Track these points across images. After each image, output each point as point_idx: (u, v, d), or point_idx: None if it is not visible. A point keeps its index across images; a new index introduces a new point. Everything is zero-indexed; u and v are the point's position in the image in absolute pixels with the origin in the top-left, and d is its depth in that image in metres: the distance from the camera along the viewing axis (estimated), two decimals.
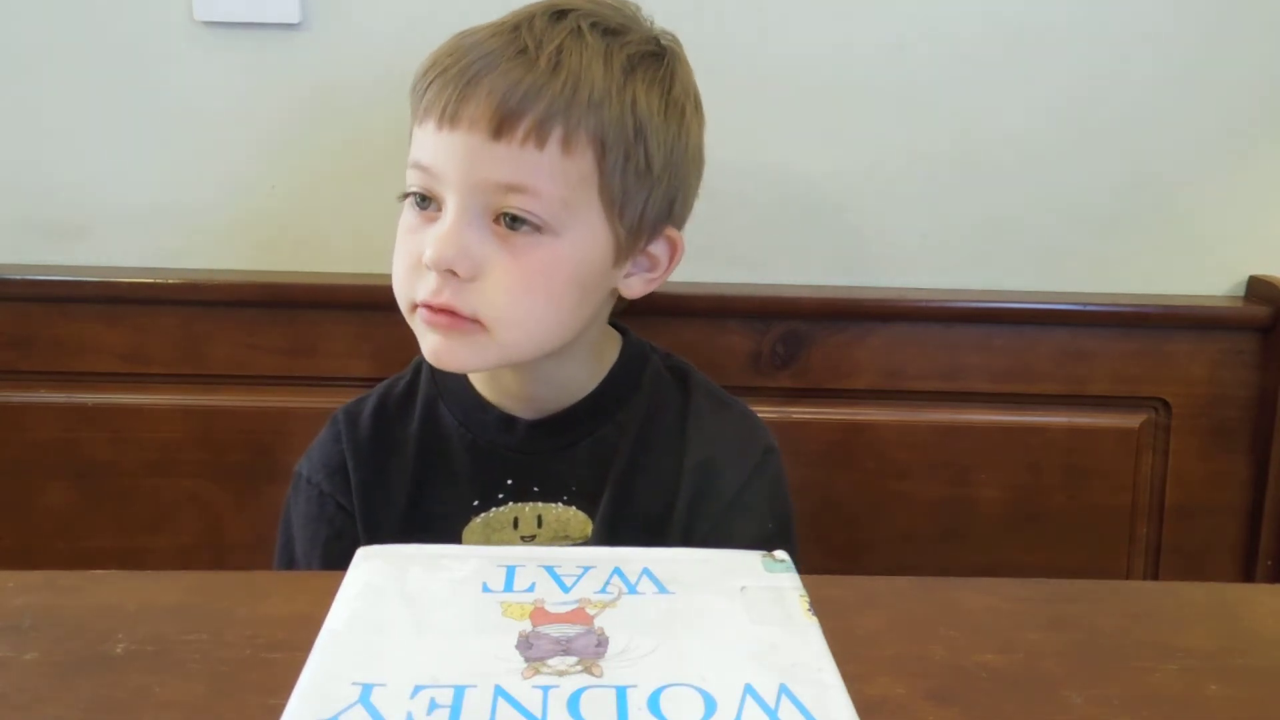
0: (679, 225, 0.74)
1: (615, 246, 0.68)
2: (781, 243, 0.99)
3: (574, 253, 0.66)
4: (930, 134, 0.96)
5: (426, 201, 0.67)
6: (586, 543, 0.73)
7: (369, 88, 0.93)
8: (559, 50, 0.64)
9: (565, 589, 0.46)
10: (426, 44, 0.70)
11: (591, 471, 0.73)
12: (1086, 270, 0.99)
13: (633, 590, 0.47)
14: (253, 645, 0.47)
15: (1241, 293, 1.00)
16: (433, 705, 0.38)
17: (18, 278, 0.95)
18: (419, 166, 0.66)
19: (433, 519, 0.74)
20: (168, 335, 0.95)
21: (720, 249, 0.98)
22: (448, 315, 0.65)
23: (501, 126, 0.63)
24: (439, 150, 0.65)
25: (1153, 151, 0.97)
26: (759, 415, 0.80)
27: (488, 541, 0.74)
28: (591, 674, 0.40)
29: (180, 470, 0.96)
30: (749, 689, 0.40)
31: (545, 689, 0.39)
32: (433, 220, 0.66)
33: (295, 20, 0.92)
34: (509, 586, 0.47)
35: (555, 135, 0.63)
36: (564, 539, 0.74)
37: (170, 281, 0.95)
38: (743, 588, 0.47)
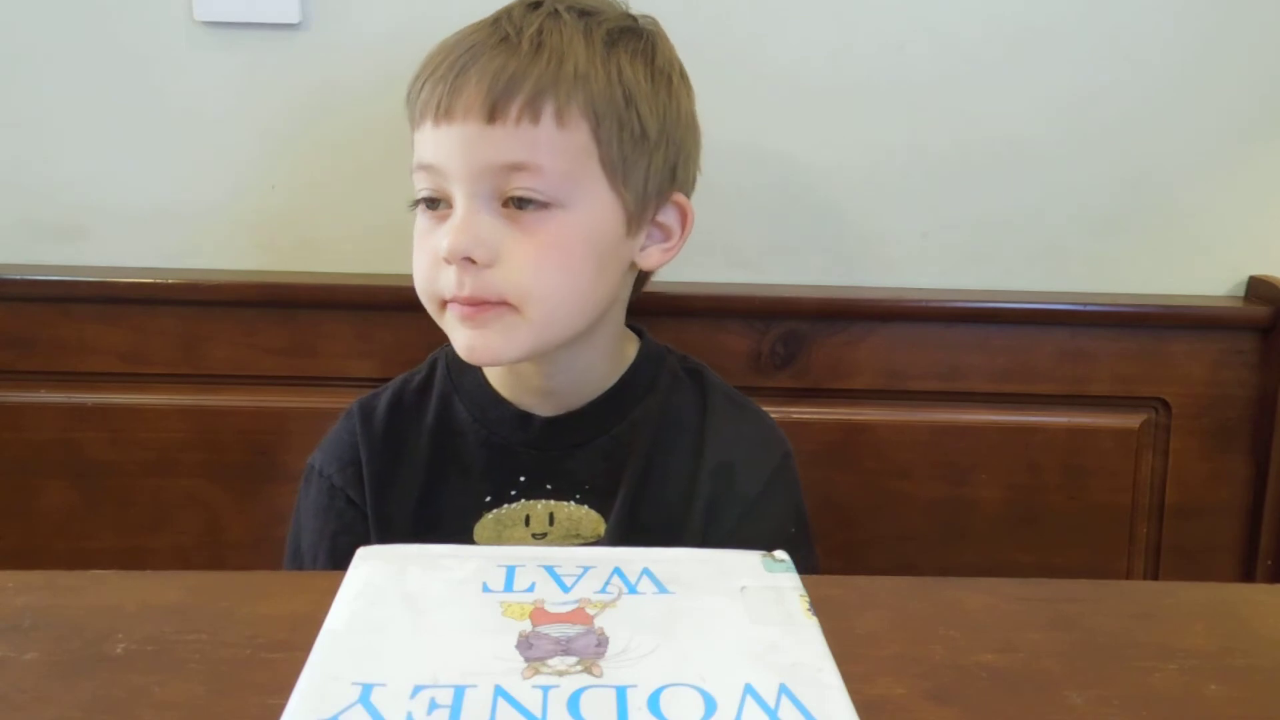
0: (686, 192, 0.74)
1: (625, 216, 0.69)
2: (781, 243, 0.99)
3: (585, 222, 0.67)
4: (930, 134, 0.96)
5: (436, 203, 0.68)
6: (599, 542, 0.73)
7: (369, 88, 0.93)
8: (539, 32, 0.67)
9: (565, 589, 0.46)
10: (426, 44, 0.71)
11: (606, 470, 0.74)
12: (1086, 270, 0.99)
13: (633, 590, 0.47)
14: (253, 645, 0.47)
15: (1241, 293, 1.00)
16: (433, 705, 0.38)
17: (18, 278, 0.95)
18: (423, 167, 0.68)
19: (444, 514, 0.74)
20: (168, 335, 0.95)
21: (720, 249, 0.98)
22: (475, 305, 0.66)
23: (494, 110, 0.65)
24: (439, 146, 0.66)
25: (1153, 151, 0.97)
26: None
27: (499, 538, 0.74)
28: (591, 674, 0.40)
29: (180, 470, 0.96)
30: (749, 689, 0.40)
31: (545, 689, 0.39)
32: (445, 219, 0.67)
33: (295, 20, 0.92)
34: (509, 586, 0.47)
35: (548, 110, 0.65)
36: (575, 538, 0.74)
37: (170, 281, 0.95)
38: (743, 588, 0.47)
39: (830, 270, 0.99)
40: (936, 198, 0.98)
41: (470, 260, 0.65)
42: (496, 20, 0.69)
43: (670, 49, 0.74)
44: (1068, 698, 0.45)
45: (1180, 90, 0.95)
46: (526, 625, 0.43)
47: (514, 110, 0.64)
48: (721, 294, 0.96)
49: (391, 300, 0.94)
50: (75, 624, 0.49)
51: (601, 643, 0.42)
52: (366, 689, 0.39)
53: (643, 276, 0.78)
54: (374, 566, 0.48)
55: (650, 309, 0.79)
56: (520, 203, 0.66)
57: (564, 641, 0.42)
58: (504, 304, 0.66)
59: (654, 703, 0.39)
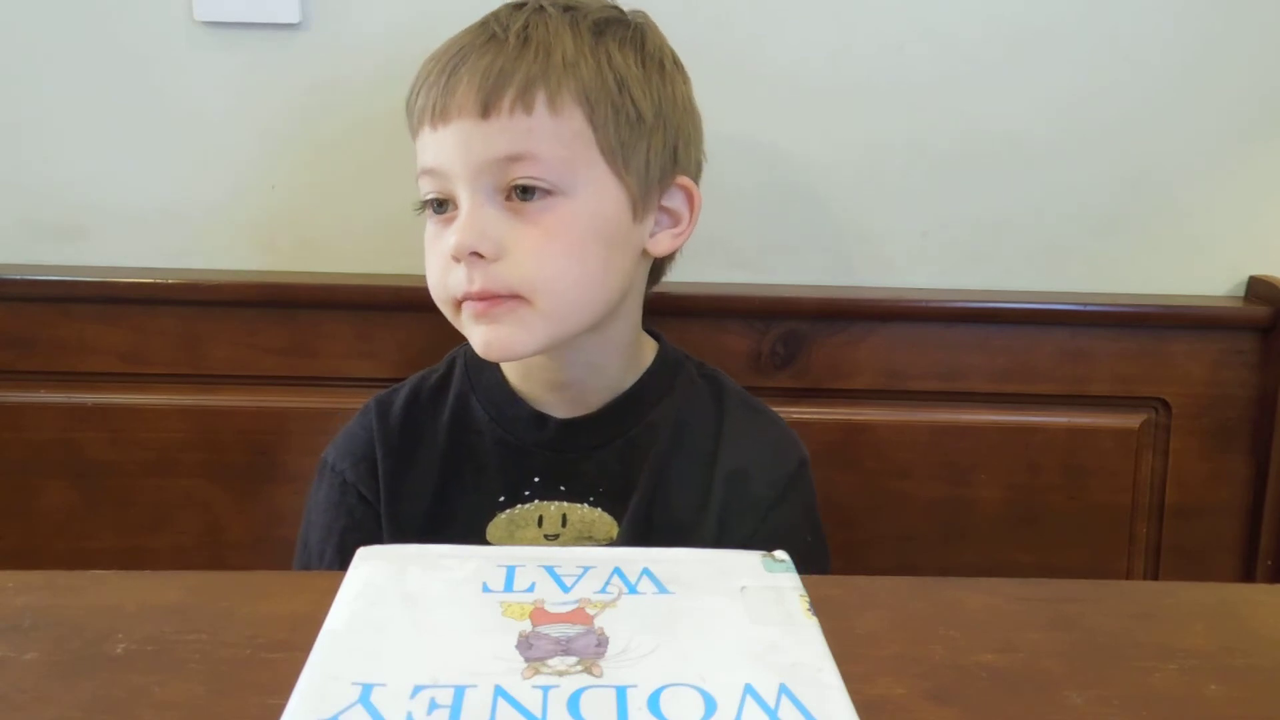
0: (691, 176, 0.75)
1: (630, 201, 0.69)
2: (781, 242, 0.99)
3: (588, 209, 0.67)
4: (930, 134, 0.96)
5: (443, 206, 0.69)
6: (612, 545, 0.73)
7: (369, 87, 0.93)
8: (525, 27, 0.68)
9: (565, 589, 0.46)
10: (426, 44, 0.71)
11: (620, 473, 0.74)
12: (1086, 270, 0.99)
13: (633, 590, 0.47)
14: (253, 645, 0.47)
15: (1241, 293, 1.00)
16: (433, 705, 0.38)
17: (18, 278, 0.95)
18: (426, 171, 0.69)
19: (457, 513, 0.74)
20: (167, 335, 0.95)
21: (720, 249, 0.98)
22: (486, 299, 0.66)
23: (487, 105, 0.65)
24: (439, 148, 0.67)
25: (1152, 151, 0.97)
26: None
27: (511, 538, 0.74)
28: (591, 674, 0.40)
29: (180, 470, 0.96)
30: (749, 689, 0.40)
31: (545, 689, 0.39)
32: (452, 220, 0.67)
33: (295, 20, 0.92)
34: (509, 586, 0.47)
35: (540, 100, 0.66)
36: (588, 540, 0.74)
37: (170, 281, 0.95)
38: (743, 588, 0.47)
39: (830, 270, 0.99)
40: (936, 197, 0.98)
41: (478, 255, 0.66)
42: (484, 22, 0.70)
43: (660, 38, 0.75)
44: (1068, 698, 0.45)
45: (1180, 90, 0.95)
46: (526, 625, 0.43)
47: (506, 103, 0.65)
48: (721, 294, 0.96)
49: (392, 300, 0.94)
50: (75, 624, 0.49)
51: (601, 643, 0.42)
52: (366, 689, 0.39)
53: (657, 270, 0.78)
54: (374, 566, 0.48)
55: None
56: (524, 195, 0.66)
57: (564, 641, 0.42)
58: (515, 297, 0.66)
59: (654, 703, 0.39)
